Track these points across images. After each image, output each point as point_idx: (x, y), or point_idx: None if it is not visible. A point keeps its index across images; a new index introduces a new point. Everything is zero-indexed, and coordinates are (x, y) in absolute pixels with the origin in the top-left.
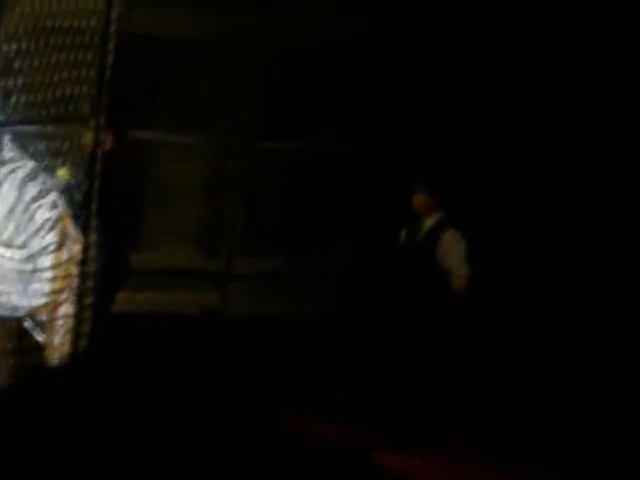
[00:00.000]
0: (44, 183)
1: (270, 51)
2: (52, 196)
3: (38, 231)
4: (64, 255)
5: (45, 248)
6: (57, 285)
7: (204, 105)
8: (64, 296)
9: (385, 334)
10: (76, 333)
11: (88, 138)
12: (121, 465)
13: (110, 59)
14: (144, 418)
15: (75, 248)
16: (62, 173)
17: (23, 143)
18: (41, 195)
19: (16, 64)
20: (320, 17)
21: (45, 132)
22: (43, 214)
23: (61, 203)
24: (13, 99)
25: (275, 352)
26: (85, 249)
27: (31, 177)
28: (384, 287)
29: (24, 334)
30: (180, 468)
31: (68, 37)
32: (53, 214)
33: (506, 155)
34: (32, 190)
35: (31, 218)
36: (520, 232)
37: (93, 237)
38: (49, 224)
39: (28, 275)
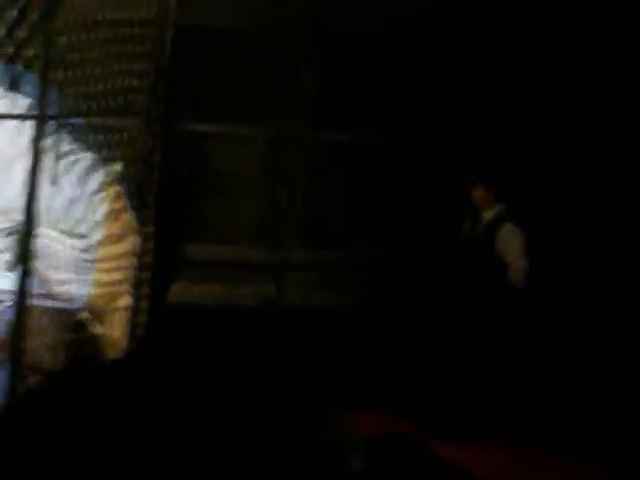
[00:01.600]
0: (106, 175)
1: (325, 40)
2: (115, 188)
3: (100, 222)
4: (125, 247)
5: (106, 239)
6: (116, 276)
7: (259, 96)
8: (123, 287)
9: (442, 326)
10: (133, 323)
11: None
12: (173, 457)
13: (167, 51)
14: (199, 411)
15: (135, 240)
16: (117, 167)
17: (81, 136)
18: (103, 187)
19: (73, 56)
20: (375, 6)
21: (102, 124)
22: (106, 206)
23: (123, 195)
24: (70, 92)
25: (329, 344)
26: (143, 240)
27: (92, 169)
28: (443, 279)
29: (80, 326)
30: (231, 459)
31: (125, 29)
32: (116, 206)
33: (566, 148)
34: (94, 182)
35: (94, 209)
36: (579, 227)
37: (150, 229)
38: (112, 216)
39: (88, 265)
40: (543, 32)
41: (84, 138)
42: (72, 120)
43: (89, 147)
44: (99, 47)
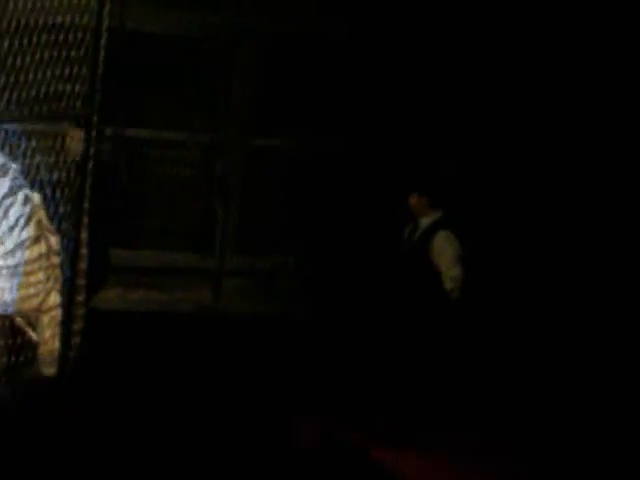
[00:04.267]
0: (14, 179)
1: (262, 49)
2: (23, 192)
3: (13, 228)
4: (43, 247)
5: (22, 243)
6: (41, 276)
7: (196, 102)
8: (49, 285)
9: (378, 333)
10: (68, 331)
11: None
12: (110, 464)
13: (102, 56)
14: (136, 417)
15: (52, 239)
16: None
17: (13, 141)
18: (12, 192)
19: (7, 61)
20: (315, 14)
21: (36, 130)
22: (16, 211)
23: (36, 198)
24: (4, 96)
25: (267, 351)
26: (77, 246)
27: (1, 174)
28: (379, 287)
29: (17, 331)
30: (171, 467)
31: (60, 34)
32: (26, 210)
33: (502, 155)
34: (3, 187)
35: (4, 215)
36: (516, 233)
37: (84, 235)
38: (23, 220)
39: (12, 270)
40: (486, 38)
41: (17, 144)
42: (5, 126)
43: (22, 153)
44: (34, 52)
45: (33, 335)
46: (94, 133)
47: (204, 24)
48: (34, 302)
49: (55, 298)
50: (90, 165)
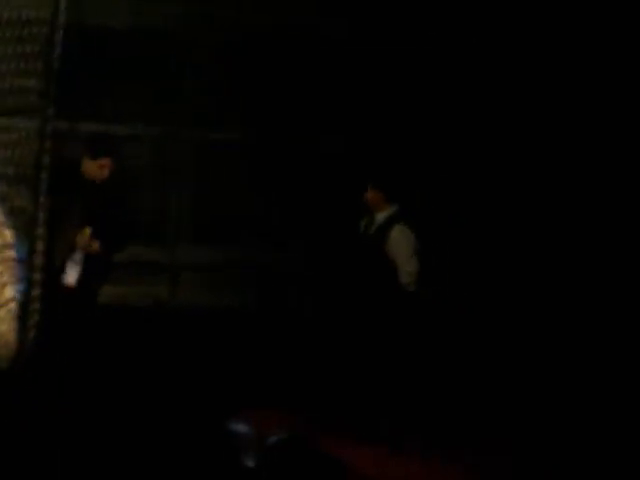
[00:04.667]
0: None
1: (212, 40)
2: None
3: None
4: None
5: None
6: None
7: (149, 95)
8: (5, 279)
9: (334, 327)
10: (24, 325)
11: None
12: (61, 458)
13: (58, 51)
14: (90, 411)
15: (7, 233)
16: None
17: None
18: None
19: None
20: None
21: None
22: None
23: None
24: None
25: (223, 343)
26: (32, 241)
27: None
28: (335, 281)
29: None
30: (122, 460)
31: (16, 29)
32: None
33: (459, 149)
34: None
35: None
36: (475, 227)
37: (41, 230)
38: None
39: None
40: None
41: None
42: None
43: None
44: None
45: None
46: (49, 127)
47: (158, 16)
48: None
49: (10, 292)
50: (46, 159)
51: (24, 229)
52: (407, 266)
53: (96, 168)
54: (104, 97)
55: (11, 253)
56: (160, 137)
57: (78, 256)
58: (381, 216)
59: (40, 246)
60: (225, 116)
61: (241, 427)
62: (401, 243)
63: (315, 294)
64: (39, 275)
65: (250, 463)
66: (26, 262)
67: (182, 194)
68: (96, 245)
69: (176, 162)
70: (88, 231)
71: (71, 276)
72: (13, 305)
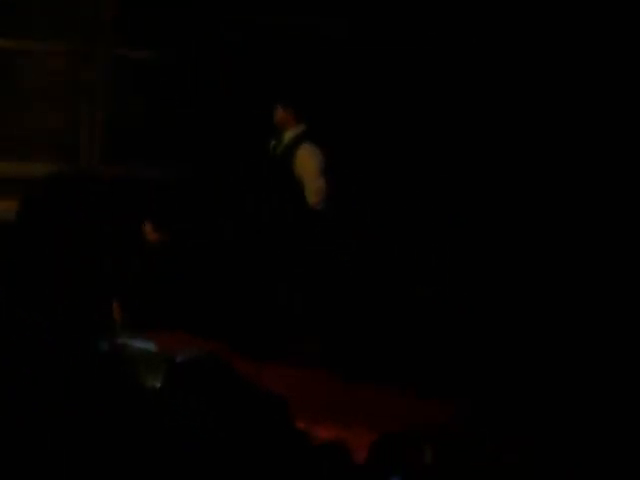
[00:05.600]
0: None
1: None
2: None
3: None
4: None
5: None
6: None
7: (60, 11)
8: None
9: (241, 248)
10: None
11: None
12: None
13: None
14: None
15: None
16: None
17: None
18: None
19: None
20: None
21: None
22: None
23: None
24: None
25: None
26: None
27: None
28: (239, 199)
29: None
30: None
31: None
32: None
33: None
34: None
35: None
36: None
37: None
38: None
39: None
40: None
41: None
42: None
43: None
44: None
45: None
46: None
47: None
48: None
49: None
50: None
51: None
52: (315, 184)
53: None
54: (14, 12)
55: None
56: (71, 54)
57: None
58: (289, 135)
59: None
60: (136, 35)
61: (148, 346)
62: (309, 162)
63: (225, 214)
64: None
65: (155, 383)
66: None
67: (95, 112)
68: None
69: (88, 80)
70: None
71: None
72: None
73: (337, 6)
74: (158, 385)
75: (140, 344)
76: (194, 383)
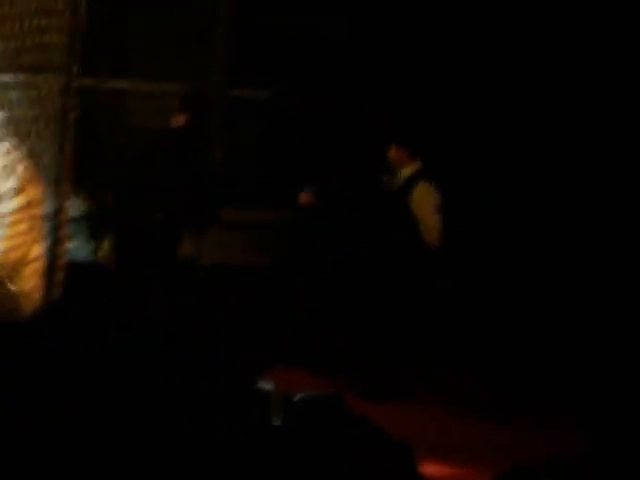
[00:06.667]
0: None
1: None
2: (5, 143)
3: None
4: (26, 199)
5: (6, 194)
6: (22, 227)
7: (178, 52)
8: (33, 236)
9: (356, 284)
10: (50, 282)
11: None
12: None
13: (83, 6)
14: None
15: (35, 190)
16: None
17: None
18: None
19: None
20: None
21: (18, 81)
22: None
23: (18, 149)
24: None
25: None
26: (59, 198)
27: None
28: (357, 236)
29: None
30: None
31: None
32: (9, 160)
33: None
34: None
35: None
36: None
37: (67, 187)
38: (6, 171)
39: None
40: None
41: None
42: None
43: (2, 105)
44: (13, 2)
45: (12, 287)
46: (75, 84)
47: None
48: (18, 254)
49: (38, 249)
50: (71, 116)
51: (50, 186)
52: (431, 222)
53: None
54: (129, 53)
55: (38, 211)
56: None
57: None
58: (405, 173)
59: (66, 204)
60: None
61: (268, 386)
62: (425, 199)
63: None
64: (65, 231)
65: (277, 422)
66: (53, 219)
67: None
68: None
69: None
70: None
71: None
72: (39, 264)
73: None
74: (279, 423)
75: (264, 383)
76: (313, 422)
